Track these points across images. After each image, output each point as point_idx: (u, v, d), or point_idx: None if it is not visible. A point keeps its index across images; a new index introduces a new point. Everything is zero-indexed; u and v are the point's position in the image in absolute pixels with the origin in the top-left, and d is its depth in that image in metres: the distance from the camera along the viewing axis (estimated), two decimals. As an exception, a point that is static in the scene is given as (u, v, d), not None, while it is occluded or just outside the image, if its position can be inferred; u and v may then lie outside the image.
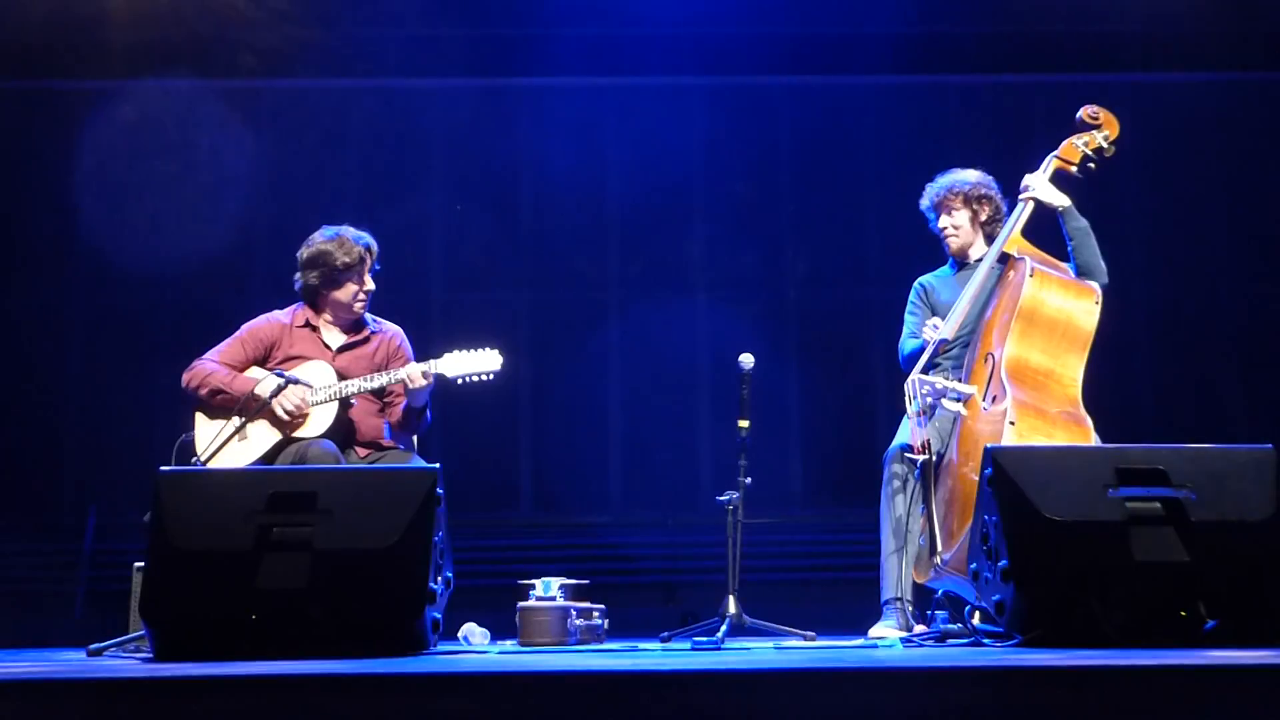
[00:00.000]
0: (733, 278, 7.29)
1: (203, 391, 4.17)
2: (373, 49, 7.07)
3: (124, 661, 3.28)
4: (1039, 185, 4.27)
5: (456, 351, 4.18)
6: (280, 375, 4.12)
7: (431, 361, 4.17)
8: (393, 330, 4.44)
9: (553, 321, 7.28)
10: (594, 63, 7.12)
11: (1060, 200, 4.24)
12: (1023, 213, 4.27)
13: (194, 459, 4.08)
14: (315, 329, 4.32)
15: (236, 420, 4.11)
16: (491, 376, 4.18)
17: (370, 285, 4.30)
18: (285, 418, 4.09)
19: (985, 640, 3.39)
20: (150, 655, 3.18)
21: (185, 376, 4.21)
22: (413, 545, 3.13)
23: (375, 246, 4.33)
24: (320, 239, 4.30)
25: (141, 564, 3.72)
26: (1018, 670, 2.37)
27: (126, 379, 6.98)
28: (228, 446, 4.04)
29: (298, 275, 4.33)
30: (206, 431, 4.17)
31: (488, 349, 4.19)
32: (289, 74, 7.11)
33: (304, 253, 4.31)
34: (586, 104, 7.33)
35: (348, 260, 4.24)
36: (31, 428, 6.98)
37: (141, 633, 3.29)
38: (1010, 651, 3.06)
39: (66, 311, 7.19)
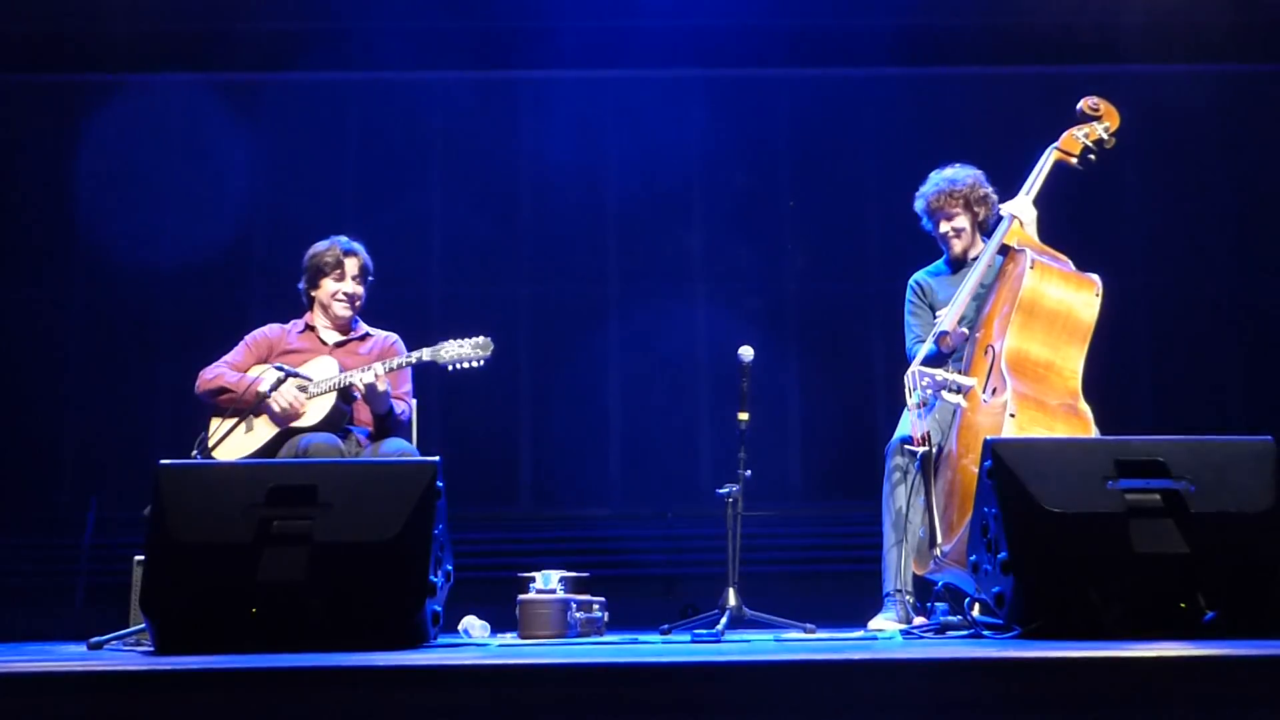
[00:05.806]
0: (732, 271, 7.28)
1: (209, 394, 4.34)
2: (372, 42, 7.07)
3: (125, 654, 3.28)
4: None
5: (450, 341, 4.27)
6: (280, 369, 4.22)
7: (424, 349, 4.26)
8: (388, 334, 4.58)
9: (552, 315, 7.27)
10: (592, 55, 7.12)
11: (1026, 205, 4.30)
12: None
13: (197, 451, 4.18)
14: (313, 329, 4.52)
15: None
16: (483, 363, 4.26)
17: (349, 287, 4.46)
18: (279, 412, 4.21)
19: (985, 632, 3.39)
20: (151, 648, 3.18)
21: (196, 384, 4.38)
22: (413, 538, 3.12)
23: (362, 254, 4.51)
24: (314, 246, 4.55)
25: (142, 557, 3.73)
26: (1017, 662, 2.36)
27: (127, 372, 6.99)
28: (233, 438, 4.17)
29: (300, 283, 4.56)
30: (218, 429, 4.28)
31: (481, 337, 4.27)
32: (288, 67, 7.10)
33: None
34: (585, 97, 7.32)
35: (327, 260, 4.47)
36: (32, 421, 6.98)
37: (142, 626, 3.29)
38: (1010, 643, 3.06)
39: (66, 304, 7.19)
